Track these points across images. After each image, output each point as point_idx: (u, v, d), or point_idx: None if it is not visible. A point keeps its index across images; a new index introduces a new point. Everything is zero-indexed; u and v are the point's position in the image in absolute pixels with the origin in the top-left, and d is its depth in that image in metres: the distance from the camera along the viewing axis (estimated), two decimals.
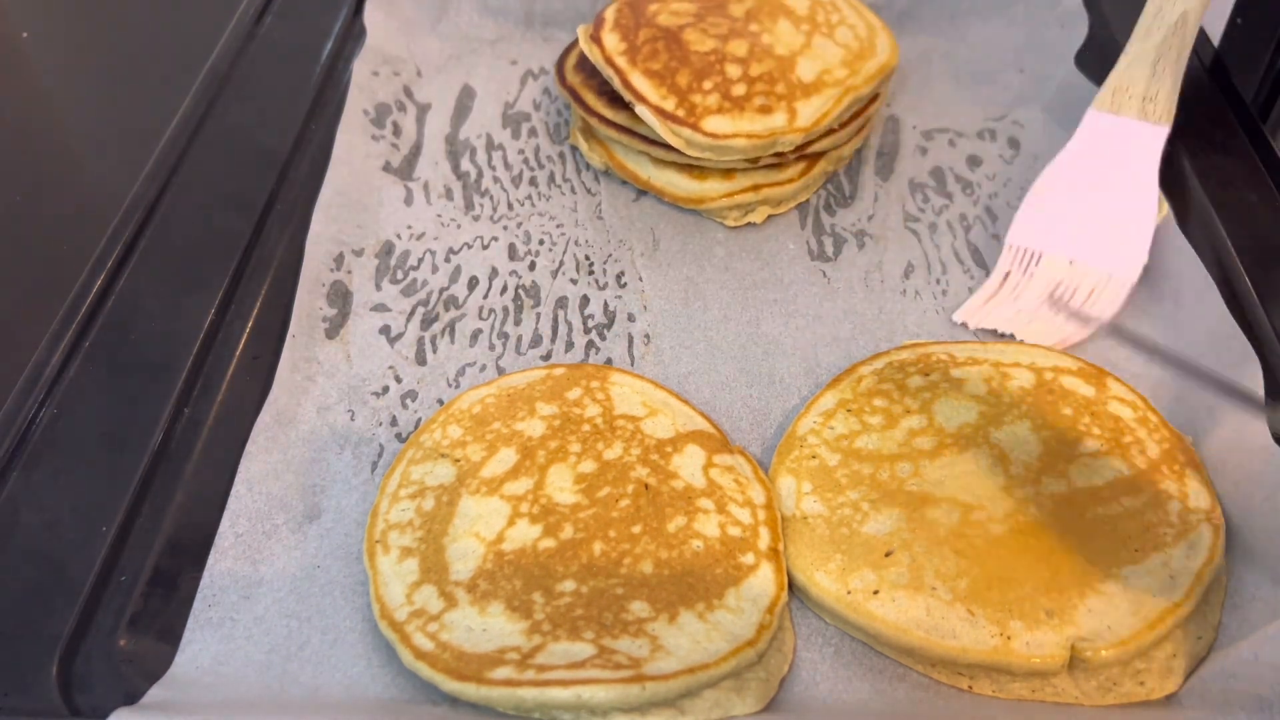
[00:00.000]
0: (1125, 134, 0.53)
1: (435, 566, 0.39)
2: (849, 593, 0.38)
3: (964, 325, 0.50)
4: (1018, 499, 0.40)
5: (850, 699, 0.37)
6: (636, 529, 0.40)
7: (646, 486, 0.41)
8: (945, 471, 0.41)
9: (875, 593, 0.38)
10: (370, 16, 0.66)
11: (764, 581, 0.38)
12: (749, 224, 0.56)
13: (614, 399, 0.45)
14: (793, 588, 0.40)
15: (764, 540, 0.40)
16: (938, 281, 0.53)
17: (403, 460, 0.44)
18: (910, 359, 0.47)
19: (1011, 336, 0.49)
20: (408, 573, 0.39)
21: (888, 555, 0.39)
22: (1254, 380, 0.43)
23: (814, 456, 0.43)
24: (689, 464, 0.42)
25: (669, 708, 0.35)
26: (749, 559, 0.39)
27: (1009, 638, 0.36)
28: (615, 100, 0.57)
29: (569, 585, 0.38)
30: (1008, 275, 0.52)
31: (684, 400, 0.46)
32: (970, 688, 0.37)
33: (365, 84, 0.63)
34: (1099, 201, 0.52)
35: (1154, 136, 0.52)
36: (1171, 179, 0.55)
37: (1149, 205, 0.51)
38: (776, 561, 0.39)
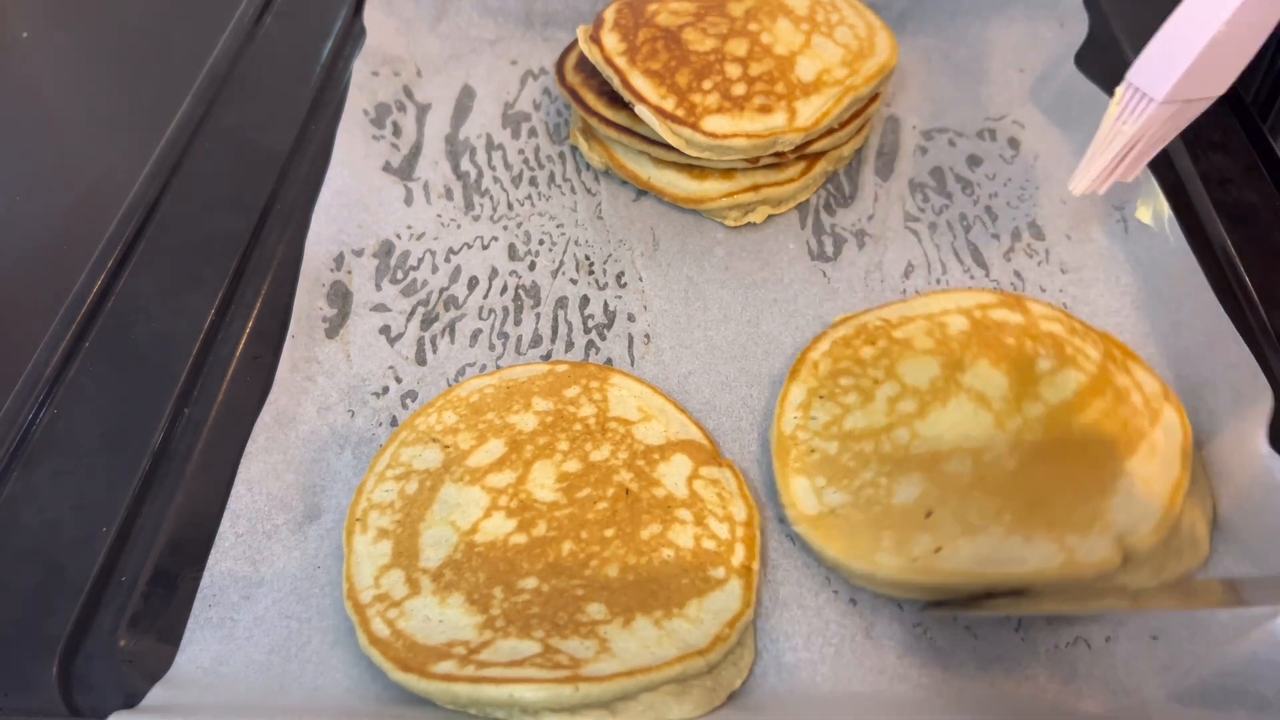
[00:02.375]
0: None
1: (407, 551, 0.40)
2: (915, 560, 0.39)
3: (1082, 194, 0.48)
4: (1012, 431, 0.42)
5: (850, 699, 0.37)
6: (609, 532, 0.40)
7: (627, 491, 0.41)
8: (938, 426, 0.43)
9: (938, 550, 0.39)
10: (370, 16, 0.66)
11: (729, 596, 0.38)
12: (749, 224, 0.56)
13: (610, 400, 0.45)
14: (854, 577, 0.40)
15: (738, 557, 0.40)
16: (938, 281, 0.53)
17: (394, 441, 0.44)
18: (850, 333, 0.48)
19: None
20: (380, 555, 0.40)
21: (929, 516, 0.40)
22: (1254, 382, 0.43)
23: (813, 450, 0.43)
24: (674, 473, 0.42)
25: (602, 709, 0.35)
26: (719, 573, 0.39)
27: (1070, 549, 0.38)
28: (615, 100, 0.57)
29: (531, 583, 0.38)
30: (1139, 133, 0.45)
31: (681, 409, 0.46)
32: (1055, 610, 0.39)
33: (365, 84, 0.63)
34: (1240, 44, 0.44)
35: None
36: (1172, 179, 0.55)
37: (1266, 31, 0.44)
38: (747, 579, 0.39)
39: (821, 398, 0.45)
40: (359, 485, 0.43)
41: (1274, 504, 0.39)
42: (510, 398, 0.45)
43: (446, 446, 0.43)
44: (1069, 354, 0.44)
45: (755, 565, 0.40)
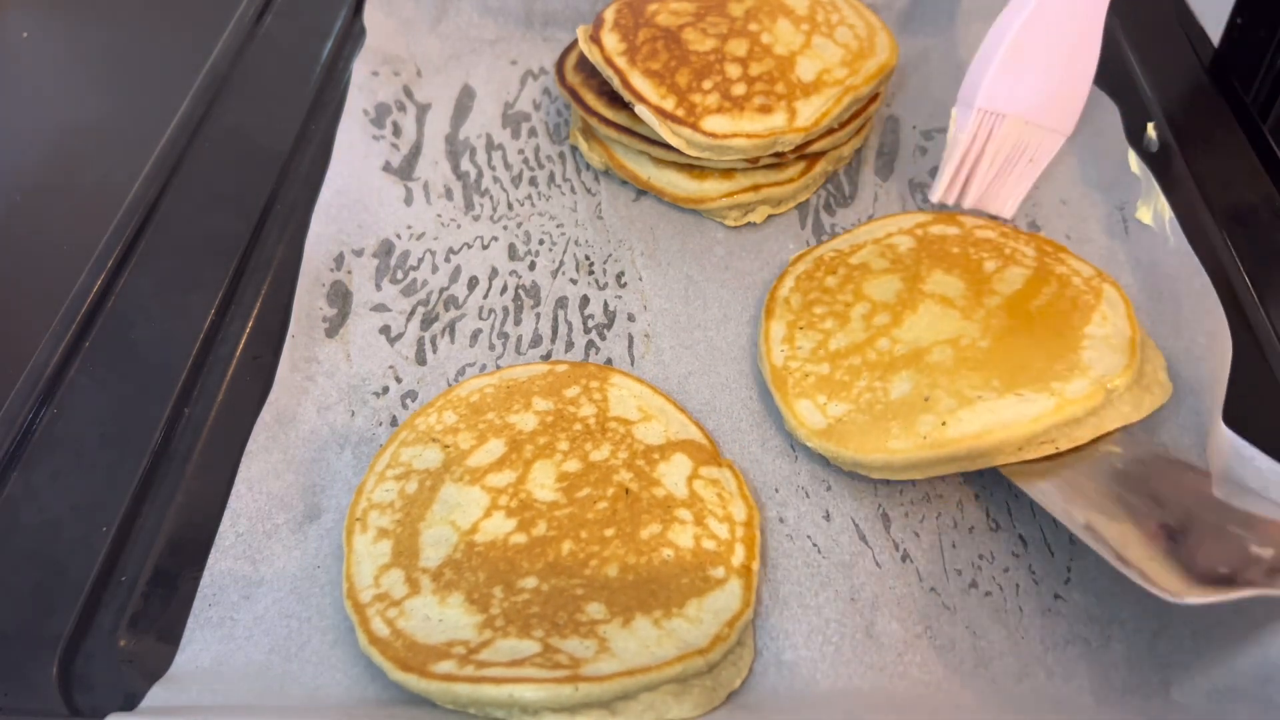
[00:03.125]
0: None
1: (407, 551, 0.40)
2: (925, 437, 0.42)
3: (942, 204, 0.53)
4: (979, 319, 0.46)
5: (850, 698, 0.37)
6: (609, 532, 0.40)
7: (627, 491, 0.41)
8: (914, 330, 0.47)
9: (944, 424, 0.42)
10: (370, 16, 0.66)
11: (729, 596, 0.38)
12: (749, 224, 0.56)
13: (610, 400, 0.45)
14: (873, 470, 0.43)
15: (738, 557, 0.40)
16: None
17: (394, 441, 0.44)
18: (810, 267, 0.52)
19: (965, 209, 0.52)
20: (380, 554, 0.40)
21: (927, 400, 0.43)
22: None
23: (807, 375, 0.46)
24: (674, 473, 0.42)
25: (602, 709, 0.35)
26: (719, 573, 0.39)
27: (1060, 394, 0.41)
28: (615, 100, 0.57)
29: (530, 582, 0.38)
30: (974, 139, 0.53)
31: (681, 409, 0.46)
32: (1056, 446, 0.42)
33: (365, 84, 0.63)
34: (1051, 60, 0.52)
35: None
36: (1172, 179, 0.55)
37: (1091, 62, 0.53)
38: (747, 579, 0.39)
39: (801, 328, 0.48)
40: (359, 485, 0.43)
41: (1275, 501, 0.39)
42: (510, 397, 0.45)
43: (446, 446, 0.43)
44: (1008, 254, 0.50)
45: (755, 565, 0.40)
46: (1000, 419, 0.41)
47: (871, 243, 0.52)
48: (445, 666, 0.35)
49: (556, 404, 0.45)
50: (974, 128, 0.52)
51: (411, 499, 0.41)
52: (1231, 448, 0.41)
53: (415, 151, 0.61)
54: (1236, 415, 0.42)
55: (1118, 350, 0.43)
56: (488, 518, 0.40)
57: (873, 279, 0.50)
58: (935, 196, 0.53)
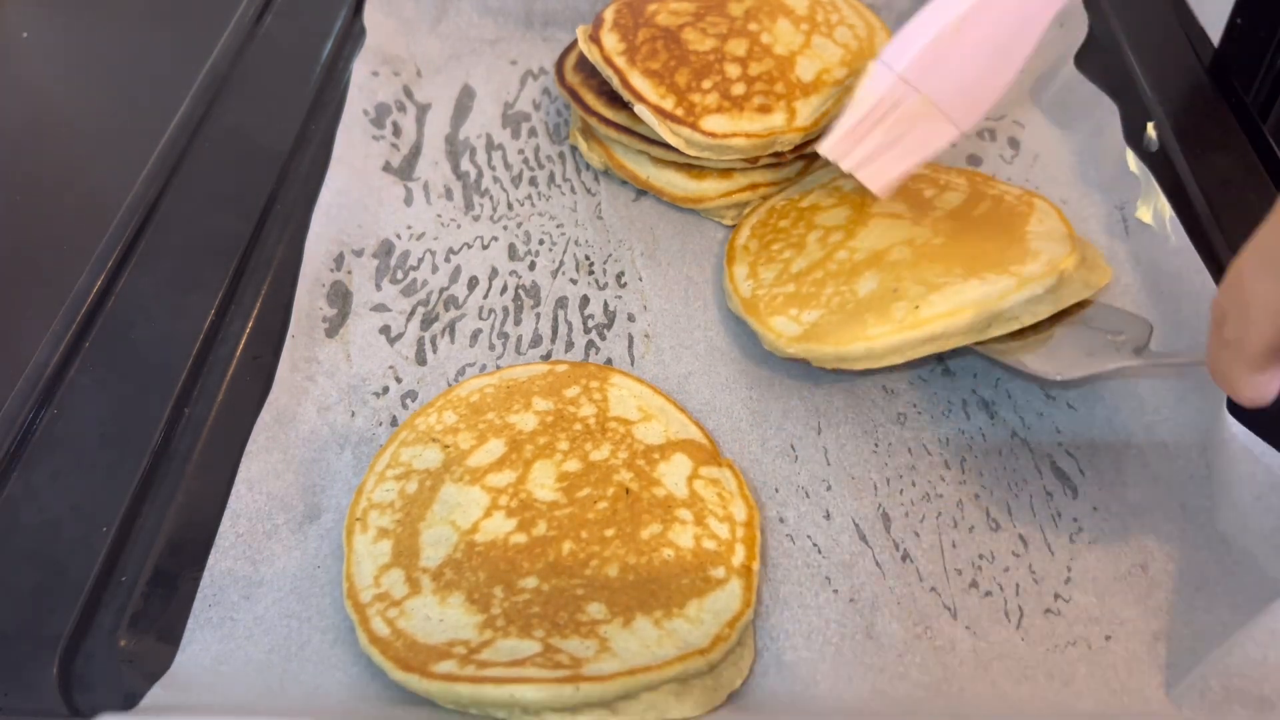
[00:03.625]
0: None
1: (407, 550, 0.40)
2: (901, 321, 0.44)
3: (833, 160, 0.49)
4: (928, 224, 0.49)
5: (850, 698, 0.37)
6: (609, 532, 0.40)
7: (627, 491, 0.41)
8: (869, 239, 0.50)
9: (917, 308, 0.44)
10: (370, 16, 0.66)
11: (730, 596, 0.38)
12: None
13: (610, 400, 0.45)
14: (856, 362, 0.44)
15: (738, 557, 0.40)
16: None
17: (394, 441, 0.44)
18: (763, 216, 0.55)
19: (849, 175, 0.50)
20: (380, 554, 0.40)
21: (895, 290, 0.45)
22: None
23: (776, 296, 0.49)
24: (674, 473, 0.42)
25: (603, 709, 0.34)
26: (719, 573, 0.39)
27: (1019, 274, 0.44)
28: (615, 100, 0.57)
29: (531, 582, 0.38)
30: (880, 103, 0.48)
31: (681, 409, 0.46)
32: (1021, 321, 0.43)
33: (365, 84, 0.63)
34: (981, 53, 0.48)
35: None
36: (1171, 179, 0.55)
37: (1014, 70, 0.49)
38: (747, 579, 0.39)
39: (764, 264, 0.51)
40: (359, 485, 0.43)
41: (1269, 502, 0.39)
42: (510, 397, 0.45)
43: (446, 446, 0.43)
44: (943, 183, 0.53)
45: (755, 565, 0.40)
46: (969, 298, 0.43)
47: (819, 188, 0.56)
48: (446, 666, 0.35)
49: (556, 404, 0.45)
50: (887, 92, 0.48)
51: (412, 499, 0.41)
52: (1240, 444, 0.41)
53: (415, 152, 0.61)
54: (1236, 415, 0.42)
55: (1058, 241, 0.46)
56: (488, 518, 0.40)
57: (822, 213, 0.53)
58: (824, 149, 0.49)
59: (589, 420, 0.44)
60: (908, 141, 0.49)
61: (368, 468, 0.44)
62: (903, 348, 0.43)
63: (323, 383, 0.48)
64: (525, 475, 0.42)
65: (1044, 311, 0.43)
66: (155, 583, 0.41)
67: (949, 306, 0.43)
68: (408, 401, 0.48)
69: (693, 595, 0.38)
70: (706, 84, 0.55)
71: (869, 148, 0.49)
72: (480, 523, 0.40)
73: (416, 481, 0.42)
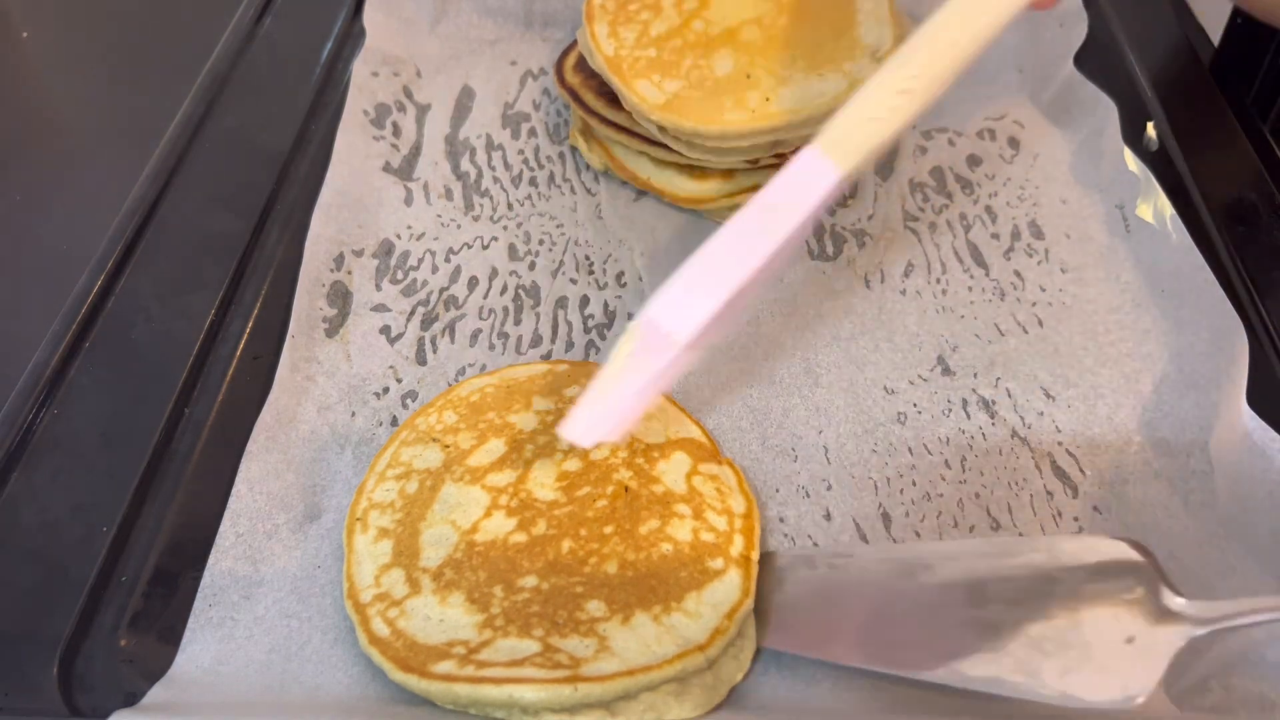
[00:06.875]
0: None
1: (407, 550, 0.40)
2: (754, 111, 0.52)
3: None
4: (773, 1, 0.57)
5: (849, 698, 0.37)
6: (608, 529, 0.40)
7: (626, 489, 0.41)
8: (722, 10, 0.56)
9: (768, 100, 0.52)
10: (370, 17, 0.66)
11: (729, 587, 0.38)
12: None
13: None
14: (710, 140, 0.52)
15: (736, 547, 0.40)
16: (938, 281, 0.53)
17: (395, 441, 0.44)
18: None
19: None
20: (381, 554, 0.40)
21: (749, 77, 0.53)
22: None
23: (638, 59, 0.55)
24: (673, 470, 0.42)
25: (601, 709, 0.35)
26: (718, 564, 0.39)
27: (850, 74, 0.53)
28: (615, 100, 0.57)
29: (530, 581, 0.38)
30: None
31: (680, 407, 0.46)
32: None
33: (365, 84, 0.63)
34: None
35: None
36: (1171, 179, 0.55)
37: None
38: (746, 569, 0.39)
39: (622, 24, 0.57)
40: (359, 485, 0.43)
41: (1277, 499, 0.39)
42: (510, 397, 0.45)
43: (447, 446, 0.43)
44: None
45: (754, 555, 0.40)
46: (809, 96, 0.52)
47: None
48: (445, 666, 0.35)
49: (557, 404, 0.45)
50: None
51: (412, 499, 0.41)
52: (1253, 439, 0.41)
53: (415, 152, 0.61)
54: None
55: (883, 22, 0.55)
56: (488, 517, 0.40)
57: None
58: (567, 431, 0.39)
59: None
60: (658, 384, 0.40)
61: (368, 467, 0.44)
62: (752, 135, 0.52)
63: (323, 383, 0.48)
64: (525, 475, 0.42)
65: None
66: (155, 583, 0.41)
67: (793, 104, 0.52)
68: (408, 401, 0.48)
69: (691, 588, 0.38)
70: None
71: (614, 408, 0.39)
72: (480, 522, 0.40)
73: (417, 481, 0.42)
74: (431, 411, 0.45)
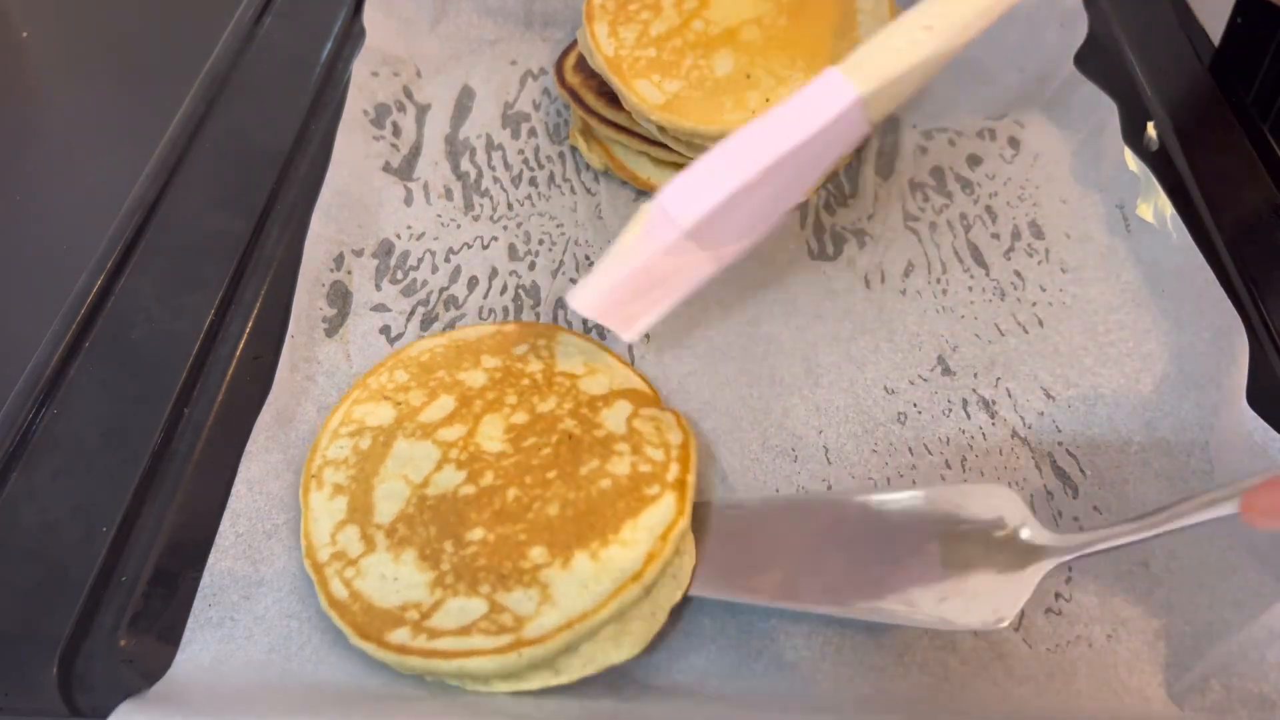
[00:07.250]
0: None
1: (361, 506, 0.41)
2: (754, 112, 0.51)
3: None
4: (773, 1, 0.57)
5: (850, 698, 0.37)
6: (551, 474, 0.41)
7: (570, 436, 0.42)
8: (722, 9, 0.56)
9: (768, 100, 0.52)
10: (370, 17, 0.66)
11: (664, 509, 0.39)
12: None
13: (557, 357, 0.46)
14: (710, 140, 0.49)
15: (672, 473, 0.41)
16: (938, 281, 0.53)
17: (347, 400, 0.45)
18: None
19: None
20: (336, 510, 0.41)
21: (749, 77, 0.53)
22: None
23: (638, 59, 0.54)
24: (615, 416, 0.43)
25: (547, 670, 0.36)
26: (654, 490, 0.40)
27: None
28: (614, 100, 0.57)
29: (478, 534, 0.39)
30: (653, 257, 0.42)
31: (627, 364, 0.47)
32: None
33: (365, 84, 0.63)
34: (766, 197, 0.44)
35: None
36: (1171, 178, 0.55)
37: (795, 200, 0.47)
38: (681, 491, 0.40)
39: (622, 24, 0.57)
40: (314, 443, 0.44)
41: None
42: (460, 356, 0.46)
43: (398, 403, 0.44)
44: None
45: (690, 478, 0.40)
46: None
47: None
48: (400, 635, 0.36)
49: (505, 361, 0.46)
50: (666, 247, 0.42)
51: (365, 454, 0.42)
52: (1253, 439, 0.41)
53: (415, 152, 0.61)
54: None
55: (883, 22, 0.53)
56: (439, 471, 0.41)
57: None
58: (576, 301, 0.43)
59: (536, 375, 0.45)
60: (669, 283, 0.43)
61: (321, 427, 0.44)
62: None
63: (322, 383, 0.48)
64: (475, 429, 0.43)
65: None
66: (155, 583, 0.41)
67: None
68: None
69: (628, 517, 0.39)
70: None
71: (624, 295, 0.43)
72: (431, 476, 0.41)
73: (370, 438, 0.43)
74: (383, 371, 0.46)
